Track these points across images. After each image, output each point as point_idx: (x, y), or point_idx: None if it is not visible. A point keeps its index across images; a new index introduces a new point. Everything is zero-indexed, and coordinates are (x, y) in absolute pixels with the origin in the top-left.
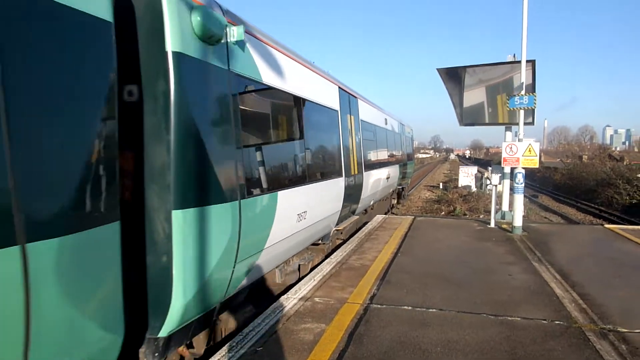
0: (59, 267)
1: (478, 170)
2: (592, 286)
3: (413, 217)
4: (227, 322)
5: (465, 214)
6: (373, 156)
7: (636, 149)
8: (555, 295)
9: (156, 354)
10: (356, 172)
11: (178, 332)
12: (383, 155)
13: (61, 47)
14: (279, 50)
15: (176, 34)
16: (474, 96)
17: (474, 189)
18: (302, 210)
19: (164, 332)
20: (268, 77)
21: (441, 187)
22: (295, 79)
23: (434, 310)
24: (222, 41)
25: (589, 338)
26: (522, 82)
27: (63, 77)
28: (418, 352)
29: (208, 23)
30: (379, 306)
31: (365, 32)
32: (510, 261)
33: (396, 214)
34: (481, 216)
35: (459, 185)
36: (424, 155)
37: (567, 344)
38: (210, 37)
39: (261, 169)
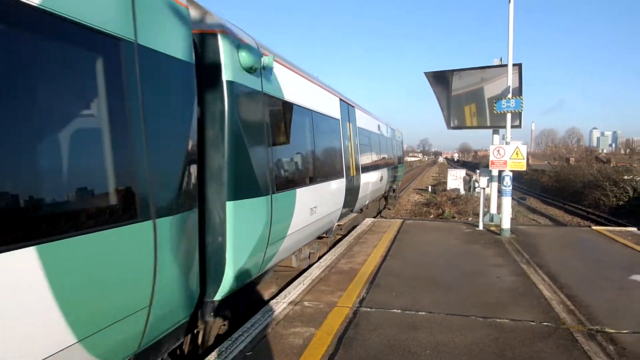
0: (172, 236)
1: (466, 173)
2: (580, 287)
3: (402, 220)
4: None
5: (454, 217)
6: (368, 159)
7: (622, 151)
8: (544, 297)
9: (211, 314)
10: (355, 174)
11: (227, 298)
12: (377, 158)
13: (178, 83)
14: (295, 72)
15: (229, 67)
16: (461, 100)
17: (462, 192)
18: (313, 206)
19: (218, 297)
20: (288, 95)
21: (430, 190)
22: (307, 95)
23: (423, 313)
24: (258, 69)
25: (577, 339)
26: (509, 86)
27: (179, 104)
28: (407, 355)
29: (250, 57)
30: (368, 310)
31: (354, 35)
32: (498, 263)
33: (385, 217)
34: (470, 219)
35: (448, 188)
36: (413, 159)
37: (556, 345)
38: (251, 67)
39: (284, 170)
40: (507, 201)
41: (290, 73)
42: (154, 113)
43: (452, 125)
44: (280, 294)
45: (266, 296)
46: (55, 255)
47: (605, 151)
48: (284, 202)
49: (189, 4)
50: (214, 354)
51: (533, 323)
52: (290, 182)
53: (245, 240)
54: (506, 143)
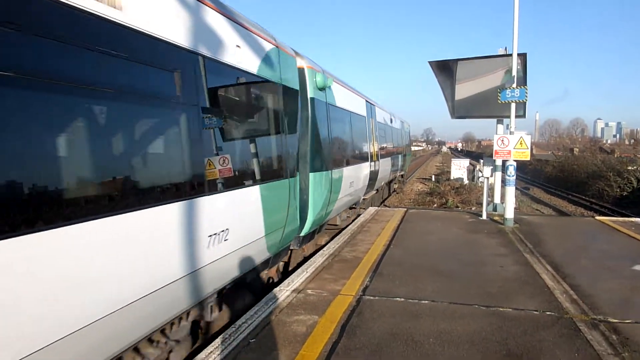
0: (293, 189)
1: (470, 163)
2: (583, 277)
3: (405, 209)
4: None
5: (457, 207)
6: (384, 148)
7: (627, 142)
8: (547, 287)
9: (298, 243)
10: (375, 159)
11: (307, 234)
12: (391, 147)
13: (297, 104)
14: (340, 84)
15: (309, 86)
16: (465, 89)
17: (466, 181)
18: (351, 181)
19: (303, 233)
20: (339, 102)
21: (433, 179)
22: (347, 100)
23: (426, 301)
24: (325, 87)
25: (580, 328)
26: (514, 75)
27: (298, 115)
28: (410, 343)
29: (321, 81)
30: (371, 298)
31: (357, 23)
32: (502, 253)
33: (389, 207)
34: (473, 208)
35: (451, 178)
36: (417, 148)
37: (559, 335)
38: (321, 87)
39: (337, 154)
40: (510, 191)
41: (338, 86)
42: (291, 121)
43: (456, 114)
44: (284, 282)
45: (322, 242)
46: (263, 190)
47: (609, 142)
48: (337, 177)
49: (294, 53)
50: (217, 340)
51: (536, 312)
52: (340, 163)
53: (318, 199)
54: (510, 133)
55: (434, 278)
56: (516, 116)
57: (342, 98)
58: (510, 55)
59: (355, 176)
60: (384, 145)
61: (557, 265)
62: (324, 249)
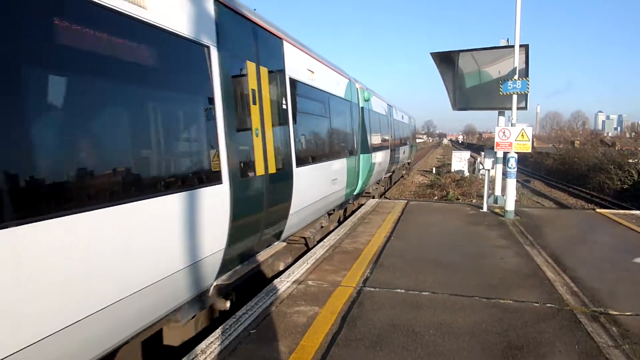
0: (355, 162)
1: (471, 155)
2: (584, 270)
3: (406, 201)
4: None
5: (458, 199)
6: (399, 139)
7: (628, 135)
8: (547, 279)
9: (352, 200)
10: (393, 148)
11: (357, 194)
12: (403, 138)
13: (360, 113)
14: (374, 94)
15: (361, 100)
16: (467, 80)
17: (466, 173)
18: (380, 161)
19: (356, 192)
20: (375, 108)
21: (434, 171)
22: (379, 106)
23: (427, 293)
24: (368, 99)
25: (581, 320)
26: (516, 67)
27: (358, 120)
28: (411, 334)
29: (365, 95)
30: (372, 289)
31: (357, 13)
32: (502, 245)
33: (389, 198)
34: (474, 201)
35: (452, 170)
36: (418, 140)
37: (559, 326)
38: (367, 99)
39: (372, 142)
40: (511, 183)
41: (374, 97)
42: (354, 121)
43: (457, 106)
44: (284, 273)
45: (356, 205)
46: (346, 161)
47: (610, 134)
48: (374, 157)
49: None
50: (218, 331)
51: (536, 304)
52: (376, 148)
53: (363, 172)
54: (512, 125)
55: (435, 270)
56: (518, 108)
57: (376, 104)
58: (512, 46)
59: (382, 158)
60: (399, 137)
61: (557, 257)
62: (324, 240)
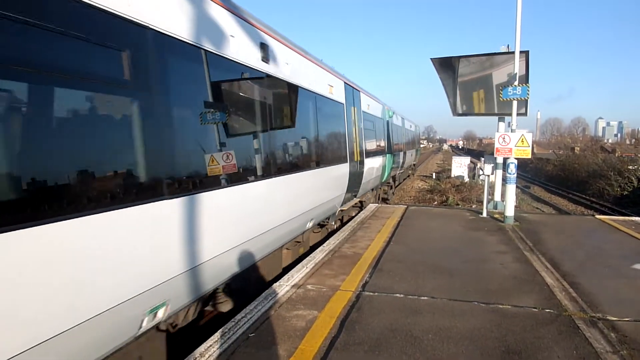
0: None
1: (471, 161)
2: (583, 275)
3: (406, 206)
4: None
5: (457, 204)
6: (407, 144)
7: (628, 141)
8: (546, 284)
9: (380, 186)
10: (405, 150)
11: (383, 182)
12: (410, 144)
13: (387, 126)
14: (394, 112)
15: (385, 115)
16: (467, 86)
17: (466, 179)
18: (401, 158)
19: (383, 180)
20: (395, 121)
21: (434, 177)
22: (398, 120)
23: (426, 298)
24: (392, 115)
25: (579, 326)
26: (516, 73)
27: (385, 131)
28: (410, 339)
29: (390, 113)
30: (371, 294)
31: (358, 21)
32: (502, 250)
33: (389, 203)
34: (474, 206)
35: (452, 176)
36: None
37: (557, 332)
38: (390, 115)
39: (395, 146)
40: (511, 189)
41: (395, 114)
42: (390, 133)
43: (458, 112)
44: (284, 277)
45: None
46: (384, 157)
47: (610, 141)
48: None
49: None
50: (217, 334)
51: (535, 310)
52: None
53: (396, 163)
54: (512, 131)
55: (434, 275)
56: (518, 114)
57: (396, 120)
58: (513, 53)
59: (401, 157)
60: (408, 142)
61: (556, 263)
62: (324, 245)
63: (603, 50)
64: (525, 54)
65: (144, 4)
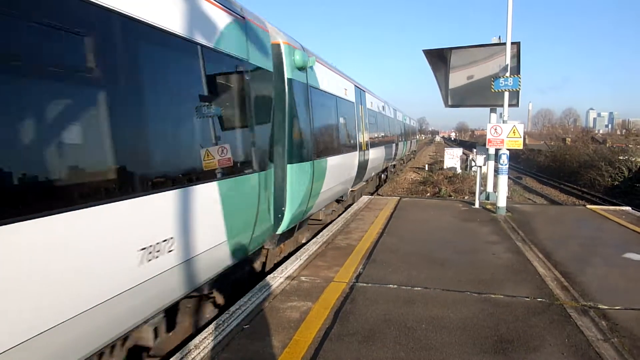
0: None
1: (463, 152)
2: (574, 265)
3: (399, 197)
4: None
5: (450, 195)
6: (407, 135)
7: (619, 132)
8: (538, 274)
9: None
10: (401, 141)
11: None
12: (409, 135)
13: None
14: (404, 113)
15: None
16: (459, 78)
17: (459, 170)
18: (408, 146)
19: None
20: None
21: (426, 168)
22: (406, 118)
23: (419, 288)
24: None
25: (570, 315)
26: (507, 64)
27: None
28: (403, 329)
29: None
30: (364, 285)
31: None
32: (494, 241)
33: (382, 195)
34: (466, 197)
35: (444, 167)
36: None
37: (549, 321)
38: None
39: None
40: (503, 180)
41: (397, 110)
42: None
43: (449, 103)
44: (277, 269)
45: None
46: (390, 145)
47: (601, 132)
48: (406, 144)
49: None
50: (211, 327)
51: (527, 299)
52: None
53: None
54: (503, 122)
55: (427, 265)
56: (509, 105)
57: (398, 114)
58: (504, 44)
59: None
60: (409, 134)
61: (548, 252)
62: (317, 236)
63: (595, 40)
64: (516, 45)
65: None
